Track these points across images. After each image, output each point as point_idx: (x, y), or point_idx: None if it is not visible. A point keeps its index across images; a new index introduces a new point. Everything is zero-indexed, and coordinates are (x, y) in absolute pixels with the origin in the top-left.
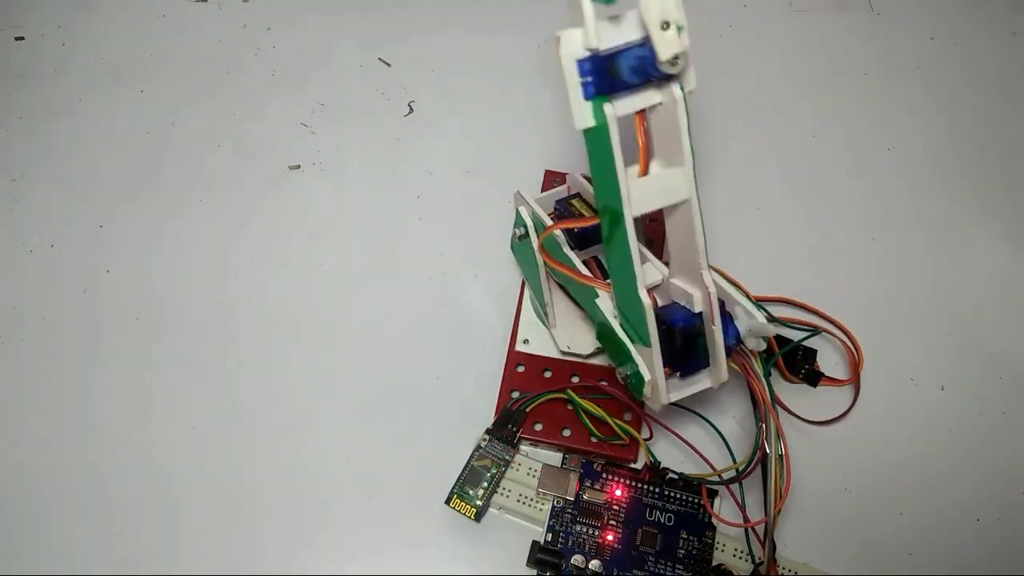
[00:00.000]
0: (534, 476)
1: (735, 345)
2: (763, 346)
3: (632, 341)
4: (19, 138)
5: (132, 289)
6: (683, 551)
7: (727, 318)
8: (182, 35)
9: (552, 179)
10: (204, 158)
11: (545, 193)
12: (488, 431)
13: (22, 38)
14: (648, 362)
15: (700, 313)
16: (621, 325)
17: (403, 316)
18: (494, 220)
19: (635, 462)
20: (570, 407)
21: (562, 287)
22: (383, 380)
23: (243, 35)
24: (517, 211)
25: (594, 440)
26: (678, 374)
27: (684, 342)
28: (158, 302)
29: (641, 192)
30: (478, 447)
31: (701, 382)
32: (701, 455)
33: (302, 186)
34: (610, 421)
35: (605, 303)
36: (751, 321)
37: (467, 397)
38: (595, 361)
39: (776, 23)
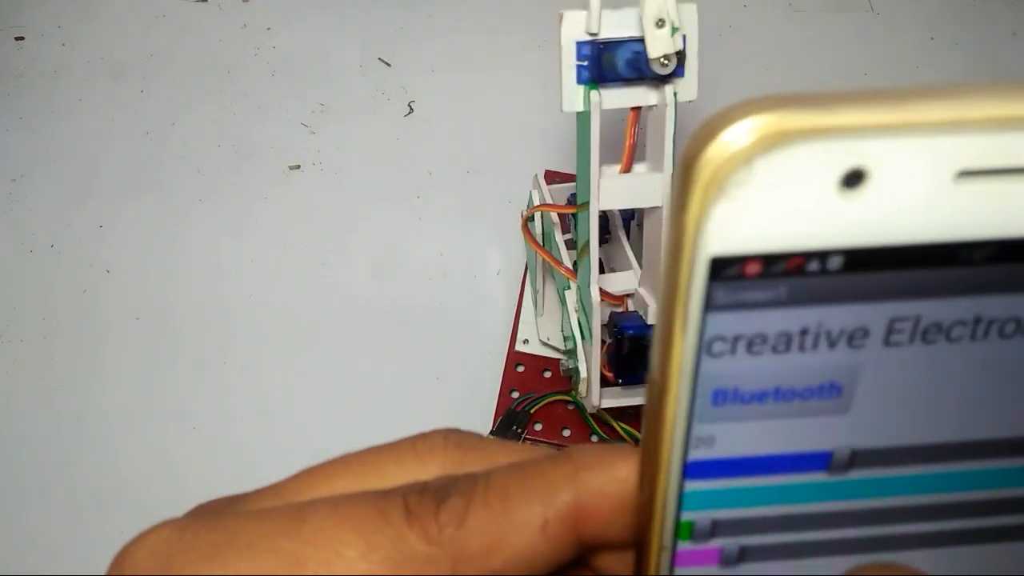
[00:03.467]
0: None
1: None
2: None
3: (583, 338)
4: (19, 138)
5: (132, 289)
6: None
7: None
8: (182, 35)
9: (552, 179)
10: (204, 158)
11: (563, 185)
12: (492, 433)
13: (22, 38)
14: (590, 360)
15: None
16: (578, 320)
17: (403, 316)
18: (494, 220)
19: None
20: (571, 407)
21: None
22: (383, 380)
23: (243, 35)
24: (530, 194)
25: (595, 439)
26: (620, 381)
27: (630, 350)
28: (158, 302)
29: (613, 187)
30: None
31: (640, 396)
32: None
33: (302, 186)
34: (613, 424)
35: (572, 296)
36: None
37: (467, 397)
38: None
39: (776, 23)
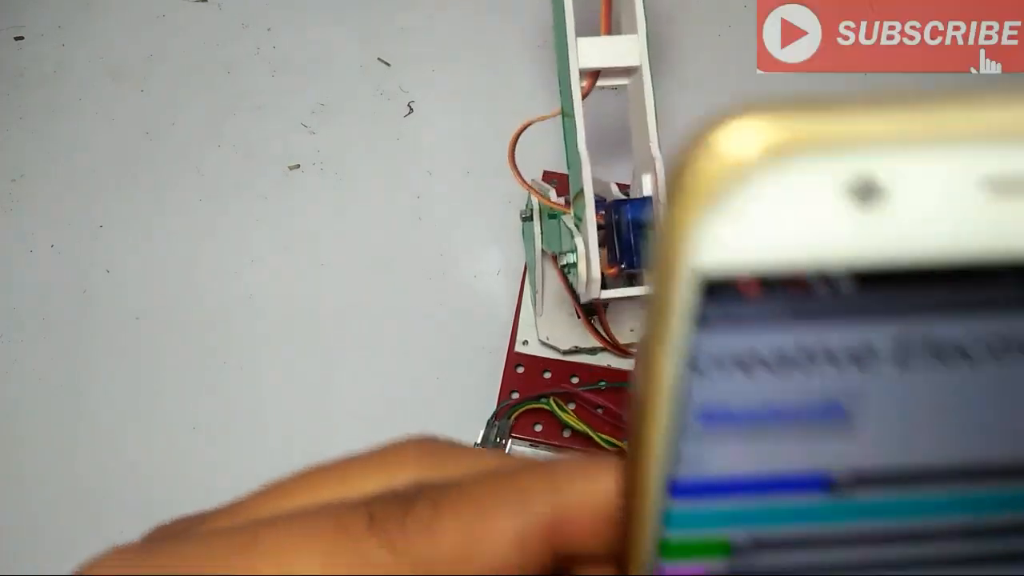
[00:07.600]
0: None
1: None
2: None
3: (579, 229)
4: (19, 138)
5: (132, 289)
6: None
7: None
8: (182, 35)
9: (550, 179)
10: (204, 158)
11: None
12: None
13: (22, 38)
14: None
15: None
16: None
17: (403, 316)
18: (494, 220)
19: None
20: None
21: (563, 276)
22: (382, 380)
23: (243, 35)
24: (529, 194)
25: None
26: (622, 266)
27: (630, 231)
28: (158, 302)
29: (591, 48)
30: None
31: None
32: None
33: (302, 186)
34: (594, 437)
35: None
36: None
37: (467, 398)
38: (595, 361)
39: None
